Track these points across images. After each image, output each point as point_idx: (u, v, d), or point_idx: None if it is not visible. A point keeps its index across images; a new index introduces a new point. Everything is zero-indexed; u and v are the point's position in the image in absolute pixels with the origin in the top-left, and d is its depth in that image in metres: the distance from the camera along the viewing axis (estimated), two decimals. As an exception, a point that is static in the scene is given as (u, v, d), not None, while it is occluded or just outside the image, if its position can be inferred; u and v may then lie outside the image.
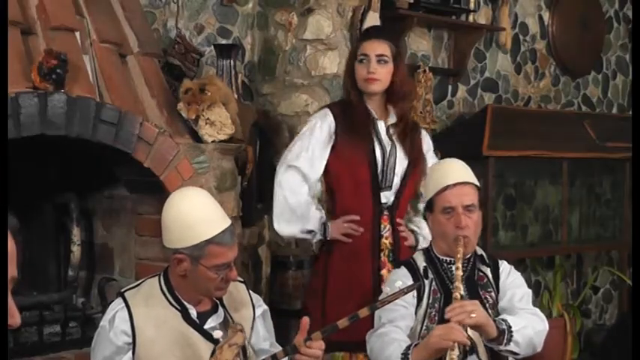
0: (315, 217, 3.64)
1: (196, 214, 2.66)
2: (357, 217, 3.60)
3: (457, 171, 3.19)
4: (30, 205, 3.83)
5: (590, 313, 6.82)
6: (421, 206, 3.71)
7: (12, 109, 3.25)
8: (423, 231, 3.69)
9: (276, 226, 3.69)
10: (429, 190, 3.20)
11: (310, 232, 3.67)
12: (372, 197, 3.62)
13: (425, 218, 3.32)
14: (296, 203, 3.63)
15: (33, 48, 3.50)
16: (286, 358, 2.68)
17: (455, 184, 3.11)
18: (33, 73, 3.37)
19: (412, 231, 3.71)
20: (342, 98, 3.82)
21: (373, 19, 4.92)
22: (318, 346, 2.65)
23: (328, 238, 3.64)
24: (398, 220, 3.66)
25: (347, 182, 3.64)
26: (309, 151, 3.63)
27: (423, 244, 3.60)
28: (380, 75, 3.59)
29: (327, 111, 3.69)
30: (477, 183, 3.20)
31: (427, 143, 3.80)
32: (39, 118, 3.33)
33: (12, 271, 1.48)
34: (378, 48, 3.61)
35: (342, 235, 3.60)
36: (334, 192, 3.70)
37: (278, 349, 2.79)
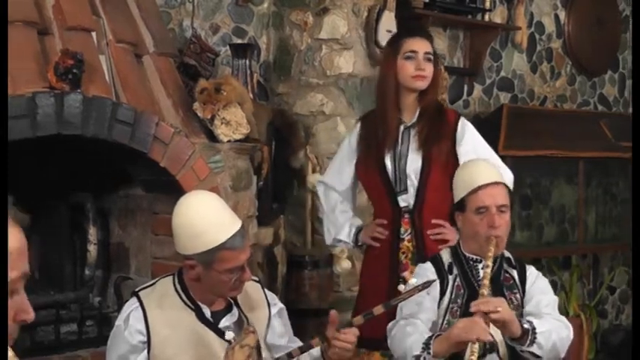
0: (345, 225, 3.77)
1: (204, 220, 2.65)
2: (385, 221, 3.65)
3: (488, 171, 3.18)
4: (46, 204, 3.84)
5: (607, 313, 6.80)
6: None
7: (28, 109, 3.26)
8: None
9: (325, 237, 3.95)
10: (459, 190, 3.18)
11: (341, 241, 3.81)
12: (389, 202, 3.65)
13: (453, 218, 3.31)
14: (328, 212, 3.83)
15: (49, 48, 3.51)
16: (307, 355, 2.69)
17: (487, 184, 3.10)
18: (49, 73, 3.38)
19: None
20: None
21: (389, 19, 4.91)
22: (353, 332, 2.71)
23: (359, 244, 3.77)
24: (434, 221, 3.61)
25: (369, 190, 3.79)
26: (335, 165, 3.84)
27: None
28: (428, 72, 3.61)
29: (359, 123, 3.82)
30: (507, 183, 3.20)
31: (461, 132, 3.67)
32: (55, 117, 3.34)
33: (24, 266, 1.49)
34: (424, 45, 3.64)
35: (371, 239, 3.68)
36: (369, 198, 3.85)
37: (297, 344, 2.80)
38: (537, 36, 6.38)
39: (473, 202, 3.10)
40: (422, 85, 3.63)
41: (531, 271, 3.22)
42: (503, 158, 5.29)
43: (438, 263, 3.17)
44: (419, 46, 3.63)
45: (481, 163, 3.29)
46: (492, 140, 5.30)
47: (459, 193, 3.18)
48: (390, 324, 3.09)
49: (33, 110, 3.28)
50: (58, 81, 3.37)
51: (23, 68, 3.38)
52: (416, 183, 3.61)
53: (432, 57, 3.64)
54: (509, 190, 3.19)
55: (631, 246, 6.25)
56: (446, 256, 3.19)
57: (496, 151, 5.23)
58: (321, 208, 3.91)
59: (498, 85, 6.15)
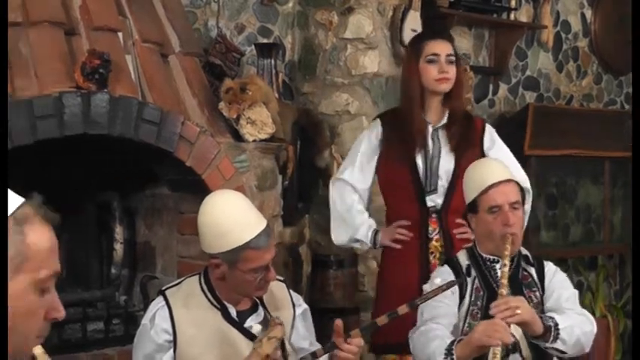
0: (363, 225, 3.72)
1: (229, 219, 2.66)
2: (407, 222, 3.63)
3: (498, 169, 3.18)
4: (73, 204, 3.86)
5: (634, 313, 6.75)
6: None
7: (55, 109, 3.29)
8: None
9: (332, 236, 3.85)
10: (470, 191, 3.18)
11: (358, 241, 3.76)
12: (417, 202, 3.63)
13: (466, 220, 3.31)
14: (344, 211, 3.75)
15: (76, 48, 3.54)
16: (326, 356, 2.69)
17: (499, 183, 3.09)
18: (76, 73, 3.40)
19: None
20: (397, 106, 3.82)
21: (414, 18, 4.90)
22: (356, 343, 2.66)
23: (377, 247, 3.71)
24: (458, 221, 3.62)
25: (394, 189, 3.72)
26: (356, 163, 3.73)
27: None
28: (451, 74, 3.61)
29: (377, 121, 3.76)
30: (517, 180, 3.19)
31: (490, 140, 3.74)
32: (82, 117, 3.36)
33: (55, 265, 1.50)
34: (446, 48, 3.64)
35: (392, 241, 3.64)
36: (386, 199, 3.78)
37: (318, 347, 2.80)
38: (563, 35, 6.35)
39: (485, 202, 3.09)
40: (446, 87, 3.63)
41: (549, 267, 3.20)
42: (529, 158, 5.30)
43: (455, 266, 3.16)
44: (441, 48, 3.63)
45: (490, 162, 3.29)
46: (518, 140, 5.30)
47: (470, 195, 3.16)
48: (411, 330, 3.08)
49: (60, 110, 3.30)
50: (84, 81, 3.39)
51: (50, 68, 3.41)
52: (446, 184, 3.61)
53: (454, 58, 3.64)
54: (520, 186, 3.17)
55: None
56: (463, 258, 3.18)
57: (522, 150, 5.24)
58: (334, 206, 3.80)
59: (524, 85, 6.12)
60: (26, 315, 1.47)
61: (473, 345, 2.82)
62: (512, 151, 3.80)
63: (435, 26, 4.54)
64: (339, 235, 3.81)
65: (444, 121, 3.66)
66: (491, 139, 3.73)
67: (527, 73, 6.14)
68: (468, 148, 3.65)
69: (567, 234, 5.76)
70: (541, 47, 6.19)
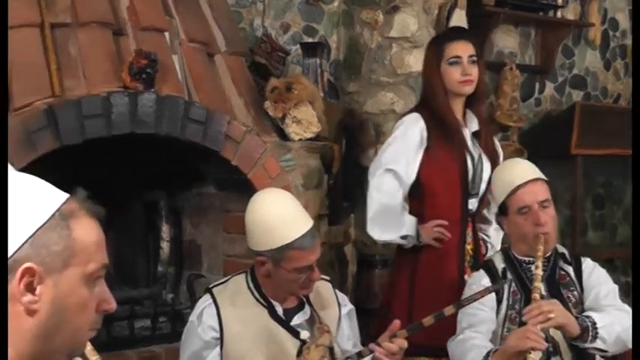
0: (409, 221, 3.60)
1: (276, 217, 2.67)
2: (446, 222, 3.56)
3: (524, 169, 3.15)
4: (121, 203, 3.90)
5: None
6: (486, 213, 3.70)
7: (103, 109, 3.32)
8: (492, 239, 3.71)
9: (370, 231, 3.63)
10: (498, 194, 3.15)
11: (405, 237, 3.61)
12: (461, 204, 3.59)
13: (499, 224, 3.28)
14: (393, 208, 3.57)
15: (124, 48, 3.57)
16: (370, 356, 2.69)
17: (526, 183, 3.06)
18: (124, 72, 3.43)
19: (483, 240, 3.70)
20: (421, 103, 3.75)
21: (459, 17, 4.88)
22: (399, 343, 2.64)
23: (422, 243, 3.59)
24: (480, 225, 3.65)
25: (439, 187, 3.60)
26: (405, 155, 3.57)
27: (491, 252, 3.59)
28: (474, 76, 3.57)
29: (418, 116, 3.61)
30: (545, 178, 3.15)
31: (498, 148, 3.79)
32: (129, 117, 3.39)
33: (103, 258, 1.52)
34: (468, 48, 3.58)
35: (433, 240, 3.57)
36: (425, 196, 3.63)
37: (361, 348, 2.80)
38: (611, 32, 6.28)
39: (514, 203, 3.06)
40: (469, 89, 3.59)
41: (587, 263, 3.15)
42: (575, 157, 5.25)
43: (491, 270, 3.12)
44: (462, 50, 3.58)
45: (516, 163, 3.27)
46: (564, 139, 5.25)
47: (499, 197, 3.14)
48: (450, 339, 3.06)
49: (108, 110, 3.33)
50: (132, 81, 3.42)
51: (98, 68, 3.44)
52: (484, 188, 3.59)
53: (476, 59, 3.59)
54: (549, 183, 3.14)
55: None
56: (498, 261, 3.14)
57: (568, 150, 5.19)
58: (381, 198, 3.56)
59: (571, 83, 6.07)
60: (78, 309, 1.48)
61: (508, 353, 2.80)
62: (558, 150, 3.79)
63: (459, 27, 4.48)
64: (382, 232, 3.61)
65: (475, 126, 3.64)
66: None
67: (574, 71, 6.09)
68: (498, 154, 3.70)
69: (615, 234, 5.70)
70: (588, 45, 6.13)
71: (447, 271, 3.57)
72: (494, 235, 3.72)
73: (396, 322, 2.67)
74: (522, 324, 2.88)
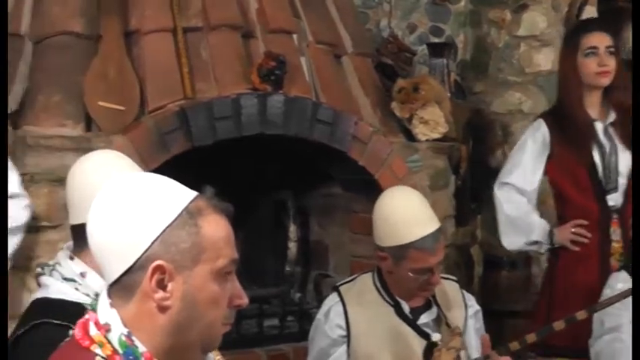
0: (539, 226, 3.59)
1: (402, 215, 2.68)
2: (585, 222, 3.49)
3: None
4: (250, 202, 3.96)
5: None
6: None
7: (233, 110, 3.38)
8: None
9: (503, 242, 3.70)
10: None
11: (536, 242, 3.60)
12: (596, 202, 3.51)
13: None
14: (515, 215, 3.61)
15: (253, 51, 3.63)
16: None
17: None
18: (253, 74, 3.49)
19: None
20: (555, 104, 3.71)
21: (590, 14, 4.78)
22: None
23: (555, 245, 3.56)
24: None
25: (569, 189, 3.57)
26: (521, 166, 3.61)
27: None
28: (611, 67, 3.48)
29: (541, 121, 3.62)
30: None
31: None
32: (258, 118, 3.44)
33: (232, 253, 1.53)
34: (605, 39, 3.50)
35: (569, 242, 3.51)
36: (559, 201, 3.66)
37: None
38: None
39: None
40: (606, 81, 3.50)
41: None
42: None
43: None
44: (599, 40, 3.49)
45: None
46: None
47: None
48: (593, 338, 2.98)
49: (238, 111, 3.39)
50: (261, 82, 3.48)
51: (228, 71, 3.51)
52: (625, 181, 3.48)
53: (613, 50, 3.49)
54: None
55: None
56: None
57: None
58: (503, 210, 3.64)
59: None
60: (209, 304, 1.51)
61: None
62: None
63: (596, 18, 4.37)
64: (512, 241, 3.67)
65: (612, 118, 3.54)
66: None
67: None
68: None
69: None
70: None
71: (587, 273, 3.48)
72: None
73: (485, 336, 2.63)
74: None
